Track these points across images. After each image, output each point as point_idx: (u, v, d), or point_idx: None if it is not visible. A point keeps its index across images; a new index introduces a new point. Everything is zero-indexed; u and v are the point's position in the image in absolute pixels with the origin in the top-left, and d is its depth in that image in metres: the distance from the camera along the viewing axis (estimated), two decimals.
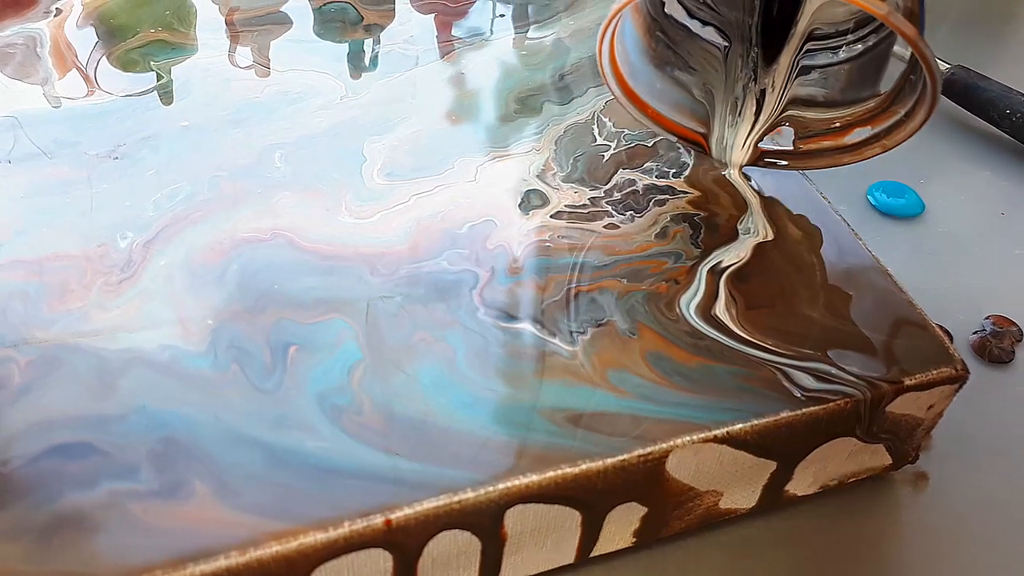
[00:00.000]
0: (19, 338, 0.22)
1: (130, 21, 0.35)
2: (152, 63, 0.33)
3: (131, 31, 0.34)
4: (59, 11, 0.35)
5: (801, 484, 0.24)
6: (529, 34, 0.36)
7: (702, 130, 0.28)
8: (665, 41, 0.28)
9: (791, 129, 0.28)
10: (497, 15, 0.37)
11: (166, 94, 0.31)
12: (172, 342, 0.22)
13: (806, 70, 0.28)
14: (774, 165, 0.28)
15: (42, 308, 0.23)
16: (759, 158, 0.28)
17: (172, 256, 0.25)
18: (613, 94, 0.27)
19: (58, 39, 0.34)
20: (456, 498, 0.19)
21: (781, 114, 0.28)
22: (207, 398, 0.21)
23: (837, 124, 0.27)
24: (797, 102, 0.28)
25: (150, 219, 0.26)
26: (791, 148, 0.28)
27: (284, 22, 0.36)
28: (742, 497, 0.24)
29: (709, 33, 0.28)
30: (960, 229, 0.36)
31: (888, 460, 0.25)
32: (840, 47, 0.28)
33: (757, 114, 0.27)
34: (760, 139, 0.28)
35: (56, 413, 0.20)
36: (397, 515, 0.19)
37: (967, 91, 0.40)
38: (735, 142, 0.28)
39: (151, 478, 0.19)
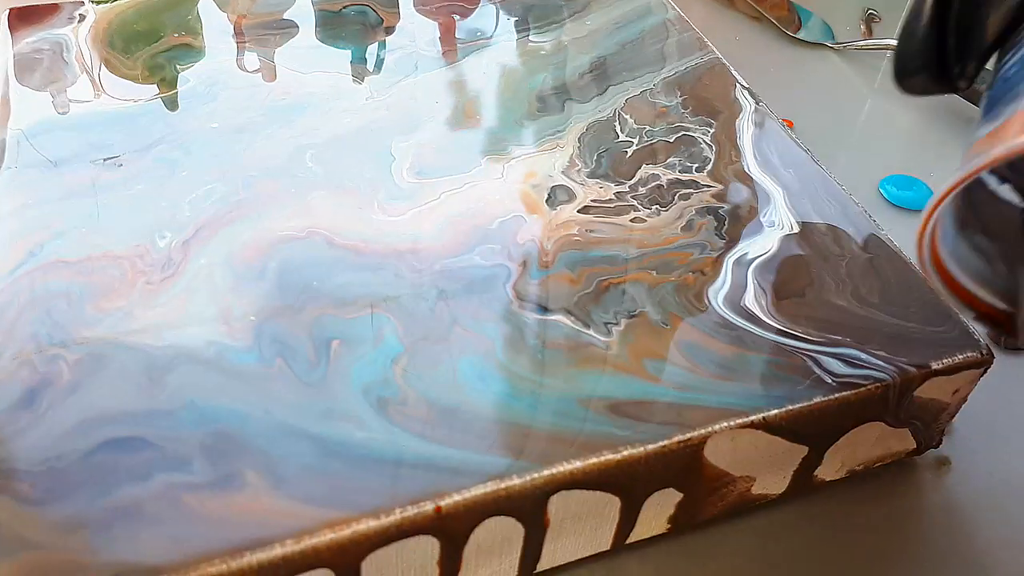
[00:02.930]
0: (66, 337, 0.22)
1: (154, 26, 0.35)
2: (178, 67, 0.33)
3: (155, 36, 0.35)
4: (82, 17, 0.35)
5: (830, 469, 0.25)
6: (536, 37, 0.36)
7: (1004, 307, 0.22)
8: (968, 199, 0.22)
9: None
10: (508, 17, 0.38)
11: (173, 101, 0.31)
12: (217, 338, 0.23)
13: None
14: None
15: (86, 307, 0.23)
16: None
17: (212, 255, 0.25)
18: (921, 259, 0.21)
19: (81, 45, 0.34)
20: (503, 484, 0.20)
21: None
22: (254, 392, 0.21)
23: None
24: None
25: (187, 219, 0.26)
26: None
27: (296, 26, 0.36)
28: (773, 482, 0.24)
29: (1006, 191, 0.22)
30: None
31: (913, 444, 0.26)
32: None
33: None
34: None
35: (107, 409, 0.21)
36: (447, 502, 0.19)
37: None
38: None
39: (205, 470, 0.20)
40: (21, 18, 0.36)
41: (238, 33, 0.35)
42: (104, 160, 0.28)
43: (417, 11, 0.37)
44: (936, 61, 0.21)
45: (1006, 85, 0.19)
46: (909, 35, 0.21)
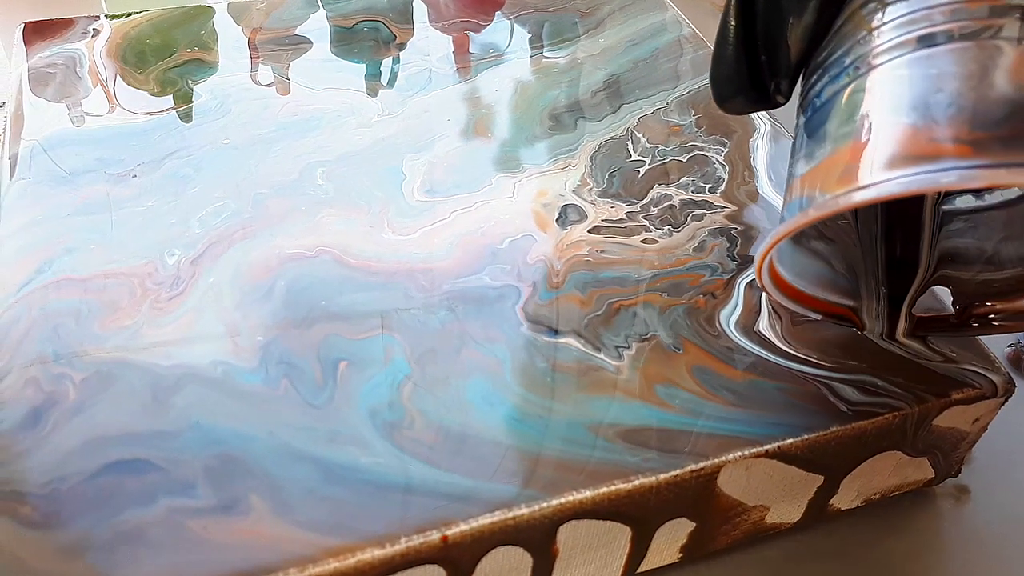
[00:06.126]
0: (73, 355, 0.22)
1: (167, 41, 0.35)
2: (190, 82, 0.33)
3: (168, 51, 0.35)
4: (96, 32, 0.36)
5: (845, 498, 0.24)
6: (550, 53, 0.36)
7: (850, 303, 0.24)
8: None
9: (946, 289, 0.24)
10: (521, 34, 0.38)
11: (186, 115, 0.31)
12: (223, 358, 0.22)
13: (948, 217, 0.23)
14: (942, 333, 0.23)
15: (94, 325, 0.23)
16: (916, 326, 0.23)
17: (220, 273, 0.25)
18: (760, 281, 0.22)
19: (95, 60, 0.34)
20: (511, 514, 0.19)
21: (933, 274, 0.23)
22: (260, 414, 0.21)
23: (997, 285, 0.22)
24: (947, 258, 0.23)
25: (196, 236, 0.26)
26: (951, 312, 0.23)
27: (311, 41, 0.36)
28: (787, 512, 0.24)
29: None
30: None
31: (931, 473, 0.25)
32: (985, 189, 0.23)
33: (904, 280, 0.23)
34: (912, 305, 0.23)
35: (112, 430, 0.21)
36: (453, 531, 0.19)
37: None
38: (888, 312, 0.24)
39: (208, 494, 0.19)
40: (36, 32, 0.36)
41: (252, 48, 0.35)
42: (119, 174, 0.28)
43: (433, 26, 0.37)
44: (750, 81, 0.22)
45: (816, 118, 0.20)
46: (719, 60, 0.22)
